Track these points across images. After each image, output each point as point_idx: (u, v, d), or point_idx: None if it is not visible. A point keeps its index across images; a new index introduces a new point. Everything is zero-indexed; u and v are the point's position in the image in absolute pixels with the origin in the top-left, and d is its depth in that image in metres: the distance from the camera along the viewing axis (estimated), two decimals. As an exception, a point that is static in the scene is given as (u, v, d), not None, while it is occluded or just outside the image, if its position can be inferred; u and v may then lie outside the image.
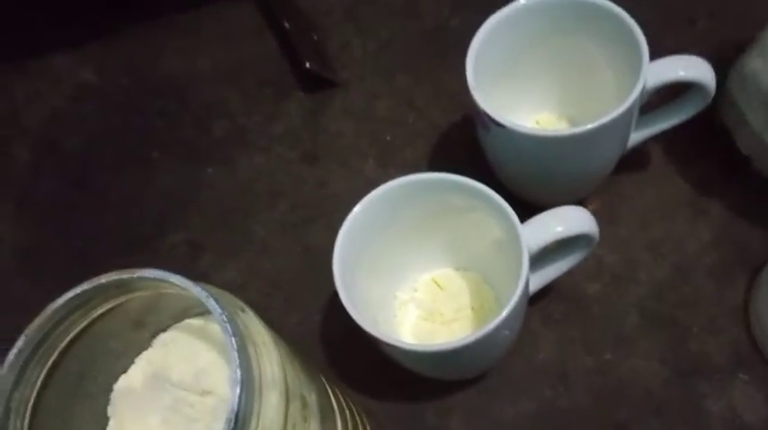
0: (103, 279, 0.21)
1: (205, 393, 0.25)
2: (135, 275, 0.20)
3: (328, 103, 0.49)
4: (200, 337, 0.26)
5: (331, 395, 0.28)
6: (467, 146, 0.44)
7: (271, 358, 0.21)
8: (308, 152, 0.47)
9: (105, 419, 0.25)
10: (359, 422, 0.32)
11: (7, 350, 0.22)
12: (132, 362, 0.27)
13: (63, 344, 0.22)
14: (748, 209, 0.41)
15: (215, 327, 0.26)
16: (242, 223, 0.45)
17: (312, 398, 0.24)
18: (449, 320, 0.38)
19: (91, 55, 0.54)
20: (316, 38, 0.51)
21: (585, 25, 0.36)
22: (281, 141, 0.48)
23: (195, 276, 0.45)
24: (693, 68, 0.34)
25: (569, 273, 0.37)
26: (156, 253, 0.45)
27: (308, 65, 0.48)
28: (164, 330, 0.26)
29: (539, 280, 0.36)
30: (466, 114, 0.46)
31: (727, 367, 0.37)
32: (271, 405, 0.21)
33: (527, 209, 0.40)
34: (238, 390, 0.19)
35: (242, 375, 0.19)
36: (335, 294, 0.41)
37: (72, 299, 0.20)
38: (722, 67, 0.41)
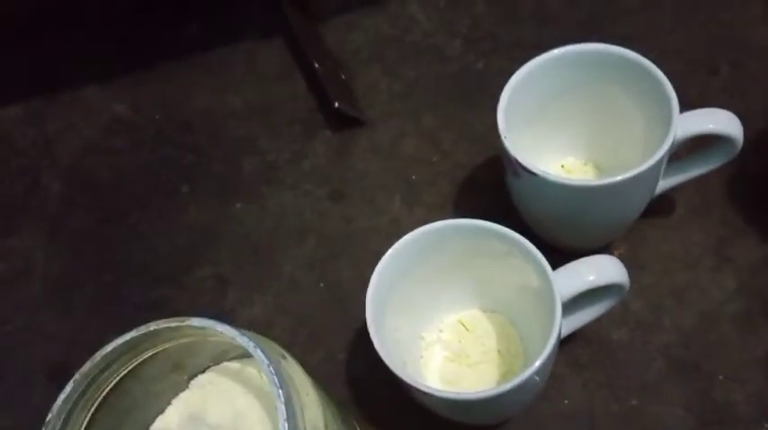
0: (152, 326, 0.21)
1: (242, 436, 0.25)
2: (184, 323, 0.21)
3: (355, 142, 0.50)
4: (237, 380, 0.26)
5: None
6: (490, 187, 0.45)
7: (313, 407, 0.22)
8: (335, 189, 0.48)
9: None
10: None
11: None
12: (169, 403, 0.27)
13: (108, 388, 0.22)
14: (773, 258, 0.41)
15: (252, 371, 0.27)
16: (269, 259, 0.46)
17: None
18: (475, 363, 0.38)
19: (124, 89, 0.55)
20: (344, 77, 0.52)
21: (615, 75, 0.37)
22: (308, 178, 0.49)
23: (222, 311, 0.46)
24: (722, 122, 0.35)
25: (596, 318, 0.37)
26: (184, 287, 0.46)
27: (336, 104, 0.49)
28: (202, 372, 0.27)
29: (567, 326, 0.36)
30: (489, 156, 0.47)
31: (753, 417, 0.37)
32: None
33: (552, 252, 0.40)
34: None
35: (289, 426, 0.20)
36: (360, 331, 0.42)
37: (121, 345, 0.21)
38: (743, 117, 0.42)
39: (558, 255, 0.37)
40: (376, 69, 0.52)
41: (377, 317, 0.33)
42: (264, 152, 0.50)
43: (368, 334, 0.33)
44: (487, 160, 0.47)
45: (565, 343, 0.39)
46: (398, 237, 0.35)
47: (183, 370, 0.26)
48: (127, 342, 0.21)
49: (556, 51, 0.36)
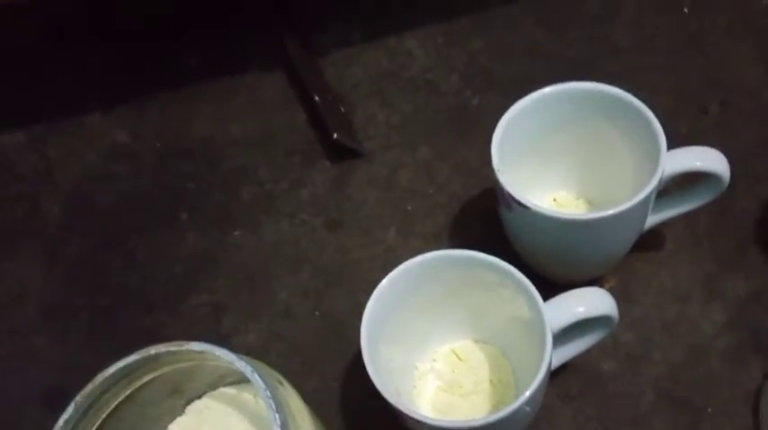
0: (153, 350, 0.22)
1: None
2: (183, 348, 0.21)
3: (353, 173, 0.50)
4: (233, 406, 0.27)
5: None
6: (484, 218, 0.46)
7: (307, 432, 0.22)
8: (332, 219, 0.49)
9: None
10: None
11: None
12: (166, 428, 0.27)
13: (107, 412, 0.23)
14: (762, 292, 0.42)
15: (248, 397, 0.27)
16: (265, 287, 0.47)
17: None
18: (468, 393, 0.39)
19: (125, 117, 0.56)
20: (342, 109, 0.53)
21: (605, 113, 0.38)
22: (306, 208, 0.49)
23: (217, 338, 0.46)
24: (709, 160, 0.36)
25: (586, 350, 0.38)
26: (180, 314, 0.46)
27: (335, 135, 0.50)
28: (198, 397, 0.27)
29: (558, 357, 0.37)
30: (484, 188, 0.48)
31: (742, 451, 0.38)
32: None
33: (544, 283, 0.41)
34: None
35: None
36: (354, 360, 0.42)
37: (122, 368, 0.21)
38: (733, 155, 0.43)
39: (550, 287, 0.37)
40: (374, 102, 0.53)
41: (371, 346, 0.33)
42: (263, 181, 0.51)
43: (362, 362, 0.33)
44: (482, 192, 0.48)
45: (556, 374, 0.40)
46: (394, 266, 0.36)
47: (180, 395, 0.26)
48: (128, 365, 0.22)
49: (547, 89, 0.38)
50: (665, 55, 0.51)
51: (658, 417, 0.39)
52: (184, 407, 0.27)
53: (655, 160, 0.35)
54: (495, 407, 0.38)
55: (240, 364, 0.21)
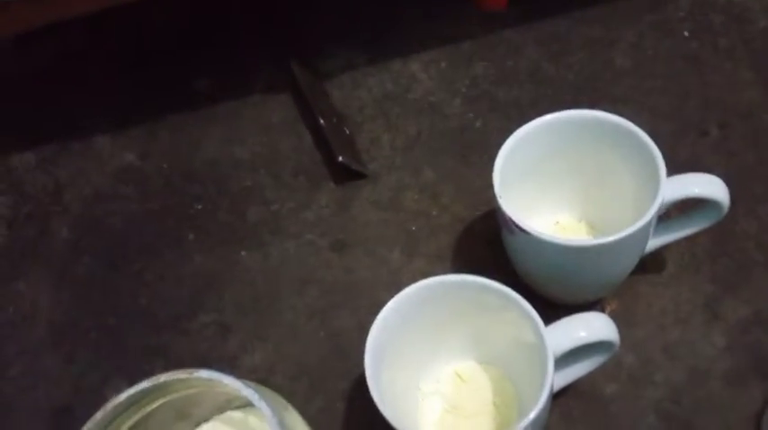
0: (163, 378, 0.22)
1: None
2: (193, 376, 0.22)
3: (357, 194, 0.51)
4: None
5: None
6: (487, 240, 0.47)
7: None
8: (338, 240, 0.49)
9: None
10: None
11: None
12: (173, 452, 0.28)
13: (117, 437, 0.23)
14: (763, 315, 0.42)
15: (255, 420, 0.28)
16: (271, 307, 0.47)
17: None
18: (471, 414, 0.39)
19: (134, 138, 0.57)
20: (348, 132, 0.54)
21: (606, 140, 0.39)
22: (311, 229, 0.50)
23: (223, 358, 0.47)
24: (709, 187, 0.37)
25: (588, 373, 0.38)
26: (187, 333, 0.47)
27: (340, 158, 0.50)
28: (206, 421, 0.28)
29: (560, 380, 0.37)
30: (487, 210, 0.49)
31: (743, 474, 0.38)
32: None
33: (546, 306, 0.42)
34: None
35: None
36: (359, 380, 0.43)
37: (132, 395, 0.22)
38: (733, 177, 0.43)
39: (552, 309, 0.38)
40: (379, 125, 0.54)
41: (375, 369, 0.34)
42: (269, 202, 0.52)
43: (367, 384, 0.34)
44: (485, 214, 0.49)
45: (558, 396, 0.40)
46: (398, 287, 0.37)
47: (187, 419, 0.27)
48: (138, 392, 0.22)
49: (548, 117, 0.38)
50: (665, 78, 0.52)
51: (660, 440, 0.39)
52: (192, 431, 0.28)
53: (655, 187, 0.36)
54: (499, 429, 0.38)
55: (248, 392, 0.22)
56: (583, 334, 0.33)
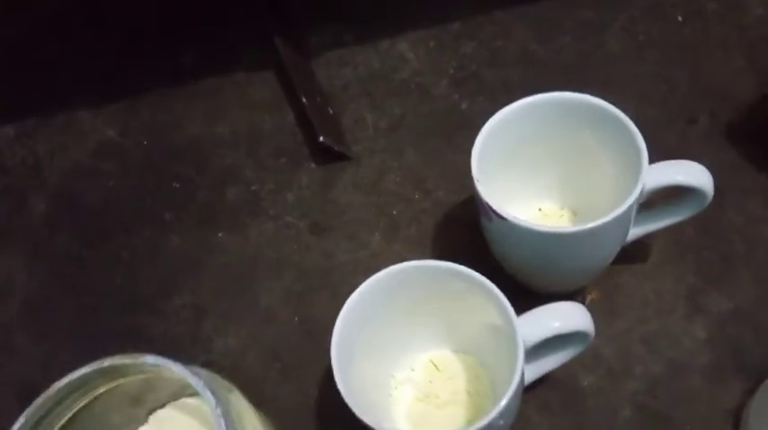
0: (106, 362, 0.21)
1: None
2: (138, 360, 0.21)
3: (339, 176, 0.50)
4: (195, 416, 0.27)
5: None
6: (470, 225, 0.46)
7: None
8: (317, 223, 0.49)
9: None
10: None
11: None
12: (128, 437, 0.27)
13: (62, 422, 0.22)
14: (746, 309, 0.41)
15: (209, 408, 0.27)
16: (247, 289, 0.46)
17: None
18: (444, 403, 0.38)
19: (115, 114, 0.56)
20: (331, 111, 0.52)
21: (588, 124, 0.38)
22: (291, 211, 0.49)
23: (197, 340, 0.46)
24: (691, 174, 0.35)
25: (565, 363, 0.38)
26: (162, 314, 0.46)
27: (321, 138, 0.49)
28: (161, 407, 0.27)
29: (534, 371, 0.37)
30: (470, 195, 0.47)
31: (719, 470, 0.37)
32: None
33: (526, 294, 0.41)
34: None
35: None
36: (332, 367, 0.42)
37: (74, 380, 0.21)
38: (721, 167, 0.42)
39: (533, 298, 0.37)
40: (364, 105, 0.53)
41: (343, 357, 0.33)
42: (249, 182, 0.51)
43: (335, 372, 0.33)
44: (468, 199, 0.48)
45: (535, 386, 0.40)
46: (377, 272, 0.36)
47: (141, 404, 0.26)
48: (81, 376, 0.22)
49: (529, 99, 0.37)
50: (656, 63, 0.51)
51: (636, 433, 0.38)
52: (146, 417, 0.27)
53: (636, 173, 0.35)
54: (472, 419, 0.38)
55: (194, 380, 0.21)
56: (556, 324, 0.33)
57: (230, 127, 0.54)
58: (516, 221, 0.35)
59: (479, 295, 0.34)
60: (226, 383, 0.24)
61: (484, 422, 0.31)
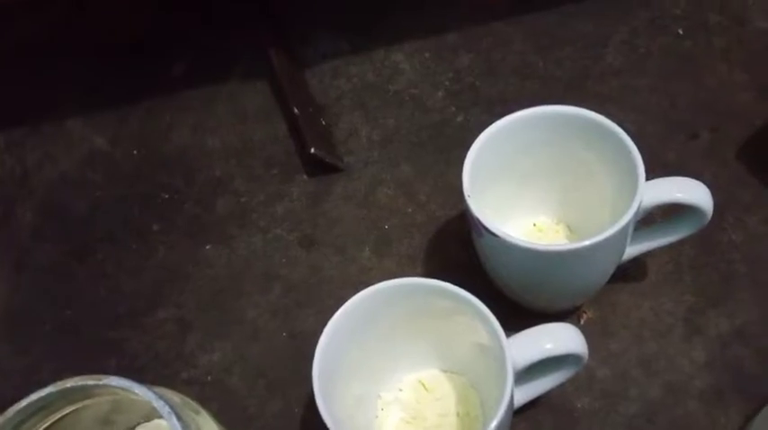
0: (69, 383, 0.20)
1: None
2: (101, 382, 0.20)
3: (331, 188, 0.49)
4: (167, 439, 0.25)
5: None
6: (462, 241, 0.44)
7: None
8: (307, 236, 0.47)
9: None
10: None
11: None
12: (97, 459, 0.26)
13: (23, 444, 0.21)
14: (745, 331, 0.40)
15: None
16: (234, 303, 0.45)
17: None
18: (432, 426, 0.37)
19: (105, 123, 0.55)
20: (324, 123, 0.52)
21: (584, 138, 0.37)
22: (280, 223, 0.48)
23: (181, 356, 0.45)
24: (690, 191, 0.34)
25: (559, 385, 0.36)
26: (145, 328, 0.45)
27: (312, 150, 0.48)
28: (132, 428, 0.26)
29: (526, 393, 0.35)
30: (463, 210, 0.46)
31: (718, 498, 0.36)
32: None
33: (519, 312, 0.40)
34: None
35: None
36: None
37: (36, 401, 0.20)
38: (721, 184, 0.41)
39: (527, 317, 0.36)
40: (357, 116, 0.52)
41: (326, 377, 0.32)
42: (239, 194, 0.50)
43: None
44: (461, 214, 0.46)
45: (527, 409, 0.38)
46: (366, 287, 0.35)
47: (111, 426, 0.25)
48: (42, 397, 0.21)
49: (524, 112, 0.36)
50: (656, 77, 0.50)
51: (631, 459, 0.37)
52: (116, 439, 0.26)
53: (633, 190, 0.34)
54: (461, 442, 0.36)
55: (158, 404, 0.20)
56: (548, 346, 0.31)
57: (221, 137, 0.53)
58: (507, 238, 0.33)
59: (468, 314, 0.33)
60: (194, 405, 0.23)
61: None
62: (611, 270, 0.38)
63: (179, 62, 0.57)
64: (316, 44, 0.56)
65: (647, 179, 0.35)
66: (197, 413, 0.22)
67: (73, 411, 0.24)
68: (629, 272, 0.41)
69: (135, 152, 0.53)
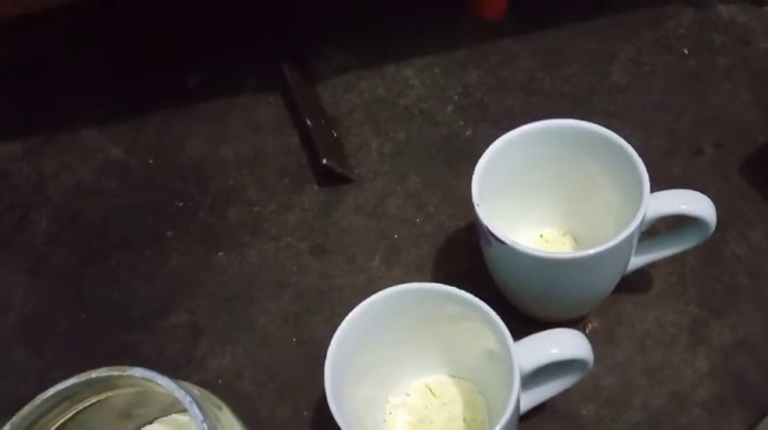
0: (93, 374, 0.21)
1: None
2: (125, 373, 0.21)
3: (341, 199, 0.50)
4: (183, 433, 0.26)
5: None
6: (470, 251, 0.45)
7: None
8: (317, 245, 0.48)
9: None
10: None
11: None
12: (115, 453, 0.27)
13: (48, 434, 0.22)
14: (748, 341, 0.40)
15: (200, 425, 0.26)
16: (245, 310, 0.46)
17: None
18: (438, 430, 0.38)
19: (121, 133, 0.56)
20: (335, 135, 0.53)
21: (590, 151, 0.38)
22: (292, 232, 0.49)
23: (192, 360, 0.46)
24: (694, 203, 0.35)
25: (565, 391, 0.37)
26: (158, 333, 0.46)
27: (324, 161, 0.49)
28: (150, 423, 0.27)
29: (531, 398, 0.36)
30: (471, 220, 0.47)
31: None
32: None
33: (526, 321, 0.40)
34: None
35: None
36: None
37: (60, 391, 0.21)
38: (725, 198, 0.42)
39: (533, 326, 0.37)
40: (368, 129, 0.53)
41: (337, 380, 0.33)
42: (251, 203, 0.51)
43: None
44: (469, 224, 0.47)
45: (533, 415, 0.39)
46: (375, 295, 0.35)
47: (130, 419, 0.26)
48: (67, 388, 0.21)
49: (531, 126, 0.37)
50: (661, 94, 0.51)
51: (635, 466, 0.38)
52: (135, 433, 0.27)
53: (638, 202, 0.35)
54: (467, 447, 0.37)
55: (180, 394, 0.21)
56: (554, 350, 0.32)
57: (234, 148, 0.54)
58: (515, 246, 0.34)
59: (476, 319, 0.33)
60: (215, 400, 0.23)
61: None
62: (616, 280, 0.39)
63: (194, 75, 0.58)
64: (328, 59, 0.57)
65: (652, 192, 0.35)
66: (219, 408, 0.23)
67: (95, 403, 0.25)
68: (634, 283, 0.42)
69: (150, 161, 0.54)
